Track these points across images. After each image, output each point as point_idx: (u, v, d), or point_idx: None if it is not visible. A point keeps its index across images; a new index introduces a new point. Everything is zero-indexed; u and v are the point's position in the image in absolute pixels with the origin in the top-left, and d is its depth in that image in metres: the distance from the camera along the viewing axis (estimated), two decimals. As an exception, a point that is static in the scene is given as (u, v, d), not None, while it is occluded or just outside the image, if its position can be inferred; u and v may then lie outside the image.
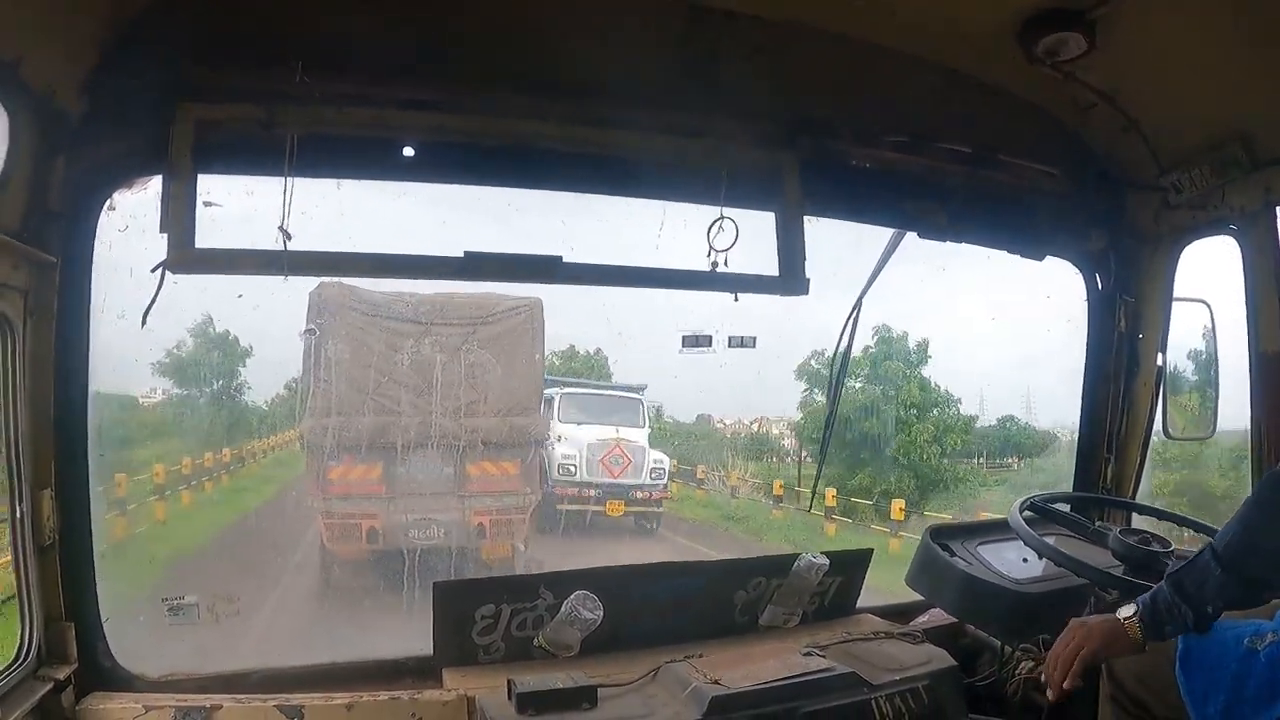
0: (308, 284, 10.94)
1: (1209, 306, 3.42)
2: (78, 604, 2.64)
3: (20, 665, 2.48)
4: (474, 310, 11.96)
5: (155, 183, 2.58)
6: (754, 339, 3.35)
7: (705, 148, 2.89)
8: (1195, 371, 3.61)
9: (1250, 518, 2.29)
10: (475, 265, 2.74)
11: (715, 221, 2.87)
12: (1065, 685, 2.45)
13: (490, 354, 11.99)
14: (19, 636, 2.55)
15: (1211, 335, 3.44)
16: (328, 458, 11.66)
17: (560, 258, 2.78)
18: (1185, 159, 3.19)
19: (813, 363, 21.73)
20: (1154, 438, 3.54)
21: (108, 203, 2.63)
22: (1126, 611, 2.39)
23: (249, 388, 20.91)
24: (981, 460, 24.94)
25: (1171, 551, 2.93)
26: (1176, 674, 2.44)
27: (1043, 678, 2.55)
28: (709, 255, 2.85)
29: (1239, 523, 2.30)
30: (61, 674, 2.54)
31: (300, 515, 13.24)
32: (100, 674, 2.69)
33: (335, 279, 10.60)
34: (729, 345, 3.35)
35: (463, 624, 2.82)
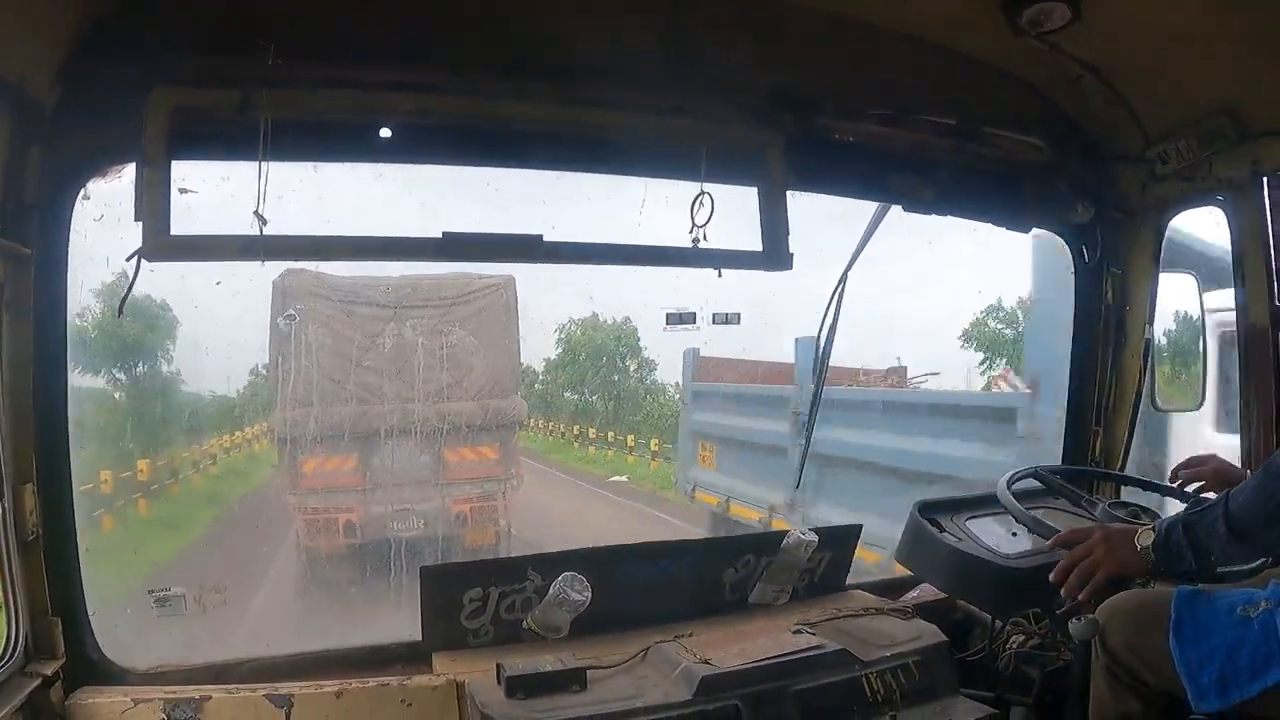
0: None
1: (1196, 278, 3.42)
2: (64, 598, 2.62)
3: (7, 662, 2.46)
4: (446, 291, 11.47)
5: (129, 171, 2.53)
6: (738, 315, 3.34)
7: (687, 124, 2.86)
8: (1171, 343, 3.61)
9: (1267, 485, 2.31)
10: (454, 246, 2.71)
11: (697, 197, 2.85)
12: (1081, 598, 2.55)
13: (465, 336, 11.48)
14: (5, 633, 2.53)
15: (1199, 307, 3.44)
16: (301, 451, 11.14)
17: (541, 237, 2.74)
18: (1172, 130, 3.18)
19: (990, 321, 18.04)
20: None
21: (82, 192, 2.59)
22: (1144, 540, 2.46)
23: (182, 382, 17.09)
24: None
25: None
26: (1170, 644, 2.44)
27: (1050, 577, 2.59)
28: (691, 231, 2.83)
29: (1255, 488, 2.32)
30: (49, 669, 2.52)
31: (254, 571, 11.36)
32: (89, 668, 2.67)
33: (301, 265, 10.21)
34: (713, 322, 3.34)
35: (450, 608, 2.81)
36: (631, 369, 29.20)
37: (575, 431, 27.31)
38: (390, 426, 11.19)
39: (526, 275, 12.40)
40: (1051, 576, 2.57)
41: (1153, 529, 2.46)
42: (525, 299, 12.14)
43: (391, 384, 11.23)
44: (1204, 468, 2.92)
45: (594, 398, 29.55)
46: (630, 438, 24.82)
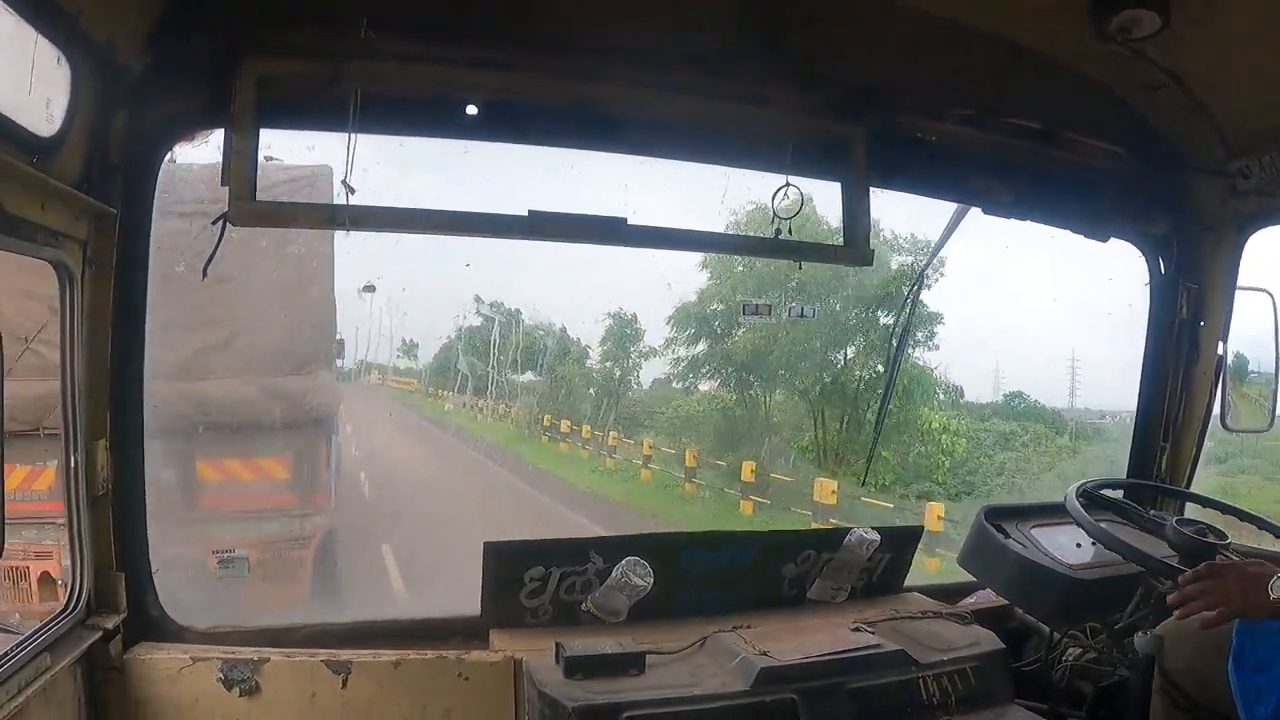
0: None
1: (1272, 296, 3.35)
2: (129, 554, 2.67)
3: (70, 614, 2.51)
4: (209, 190, 4.63)
5: (215, 136, 2.58)
6: (814, 309, 3.36)
7: (771, 115, 2.87)
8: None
9: None
10: (540, 224, 2.72)
11: (780, 189, 2.85)
12: (1180, 615, 2.42)
13: (238, 267, 6.52)
14: (69, 585, 2.59)
15: (1275, 325, 3.37)
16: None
17: (625, 219, 2.76)
18: (1255, 145, 3.12)
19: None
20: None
21: (169, 155, 2.64)
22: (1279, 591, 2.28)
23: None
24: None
25: (1228, 544, 2.89)
26: (1229, 671, 2.41)
27: (1169, 598, 2.46)
28: (774, 222, 2.82)
29: None
30: (110, 623, 2.57)
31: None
32: (149, 624, 2.72)
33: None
34: (788, 317, 3.35)
35: (511, 585, 2.83)
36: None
37: (751, 472, 14.88)
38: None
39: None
40: (1170, 598, 2.44)
41: None
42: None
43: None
44: None
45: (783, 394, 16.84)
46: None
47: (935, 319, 15.99)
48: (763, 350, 16.15)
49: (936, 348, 16.57)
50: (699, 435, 16.92)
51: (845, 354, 16.51)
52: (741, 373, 16.80)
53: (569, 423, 19.95)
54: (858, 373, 16.44)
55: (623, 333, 19.15)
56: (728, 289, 16.38)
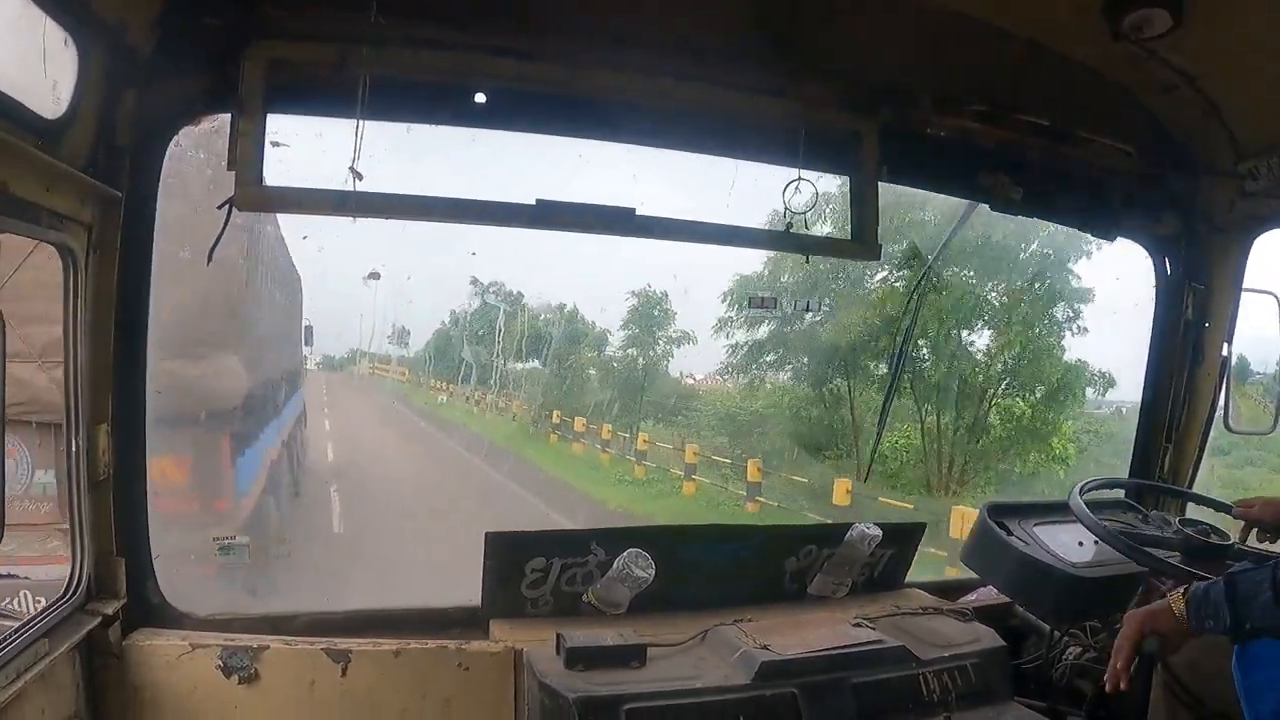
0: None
1: (1277, 299, 3.35)
2: (129, 540, 2.65)
3: (69, 599, 2.49)
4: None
5: (222, 119, 2.56)
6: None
7: (782, 109, 2.86)
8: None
9: None
10: (548, 214, 2.72)
11: (791, 182, 2.85)
12: (1121, 681, 2.31)
13: None
14: (69, 571, 2.56)
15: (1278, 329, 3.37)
16: None
17: (634, 210, 2.76)
18: (1264, 147, 3.14)
19: None
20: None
21: (174, 139, 2.62)
22: (1180, 592, 2.27)
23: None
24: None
25: (1231, 545, 2.90)
26: (1233, 668, 2.41)
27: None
28: (785, 216, 2.82)
29: None
30: (110, 609, 2.55)
31: None
32: (148, 610, 2.70)
33: None
34: (794, 309, 3.37)
35: (512, 576, 2.83)
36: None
37: (846, 493, 11.33)
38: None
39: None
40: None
41: (1192, 584, 2.28)
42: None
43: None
44: (1251, 509, 2.85)
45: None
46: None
47: (1085, 295, 13.26)
48: (868, 333, 12.07)
49: (1085, 331, 13.71)
50: (759, 440, 13.76)
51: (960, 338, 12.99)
52: (819, 362, 13.03)
53: (584, 420, 17.12)
54: (986, 361, 13.08)
55: (649, 314, 15.80)
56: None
